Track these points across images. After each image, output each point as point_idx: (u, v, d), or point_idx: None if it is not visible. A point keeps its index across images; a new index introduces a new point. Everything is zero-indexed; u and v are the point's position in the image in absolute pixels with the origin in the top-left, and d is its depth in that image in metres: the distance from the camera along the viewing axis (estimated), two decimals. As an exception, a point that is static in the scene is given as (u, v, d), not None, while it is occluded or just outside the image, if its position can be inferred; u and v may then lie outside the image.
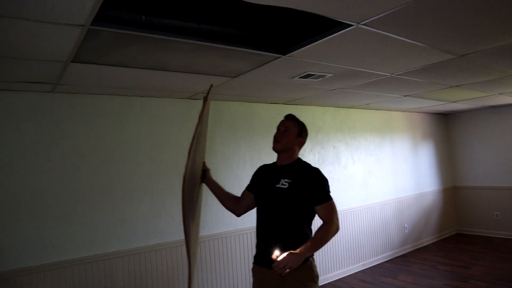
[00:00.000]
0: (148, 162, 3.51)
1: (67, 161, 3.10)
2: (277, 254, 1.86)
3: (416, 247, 6.31)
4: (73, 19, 1.66)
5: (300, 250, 1.89)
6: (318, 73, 3.06)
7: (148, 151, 3.52)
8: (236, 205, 2.41)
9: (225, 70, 2.76)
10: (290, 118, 2.30)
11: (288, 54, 2.48)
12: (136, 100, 3.49)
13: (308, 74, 3.05)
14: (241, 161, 4.15)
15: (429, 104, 5.64)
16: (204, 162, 2.49)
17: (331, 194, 2.14)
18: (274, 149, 2.22)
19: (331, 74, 3.14)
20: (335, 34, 2.13)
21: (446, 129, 7.37)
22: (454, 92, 4.56)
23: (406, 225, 6.18)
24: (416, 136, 6.64)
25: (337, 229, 2.07)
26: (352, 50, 2.47)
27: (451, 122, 7.36)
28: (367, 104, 5.15)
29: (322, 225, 2.06)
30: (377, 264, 5.53)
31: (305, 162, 2.25)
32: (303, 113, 4.84)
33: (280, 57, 2.51)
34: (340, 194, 5.17)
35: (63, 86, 2.93)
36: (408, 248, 6.16)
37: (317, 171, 2.15)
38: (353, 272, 5.20)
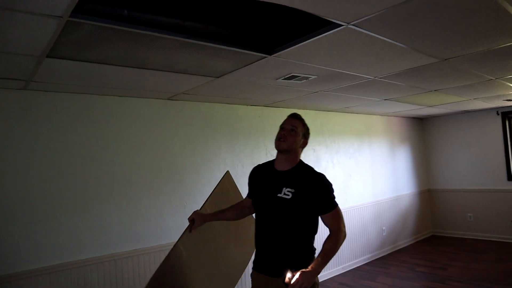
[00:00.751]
0: (125, 165, 3.37)
1: (39, 163, 2.93)
2: (289, 277, 1.74)
3: (394, 249, 6.38)
4: (50, 9, 1.55)
5: (312, 267, 1.80)
6: (303, 75, 3.02)
7: (125, 153, 3.38)
8: (240, 215, 2.38)
9: (209, 70, 2.68)
10: (297, 117, 2.18)
11: (275, 54, 2.43)
12: (115, 100, 3.35)
13: (293, 75, 3.00)
14: (222, 164, 4.07)
15: (407, 108, 5.72)
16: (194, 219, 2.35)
17: (336, 199, 2.07)
18: (280, 148, 2.06)
19: (315, 76, 3.11)
20: (324, 34, 2.09)
21: (422, 133, 7.52)
22: (432, 97, 4.64)
23: (384, 228, 6.23)
24: (394, 140, 6.73)
25: (344, 237, 2.01)
26: (339, 52, 2.44)
27: (426, 126, 7.51)
28: (347, 107, 5.17)
29: (330, 235, 1.99)
30: (356, 267, 5.55)
31: (307, 166, 2.13)
32: (283, 116, 4.76)
33: (266, 57, 2.46)
34: (321, 197, 5.14)
35: (37, 84, 2.77)
36: (386, 251, 6.22)
37: (322, 178, 2.03)
38: (333, 276, 5.19)
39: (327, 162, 5.33)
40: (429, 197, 7.44)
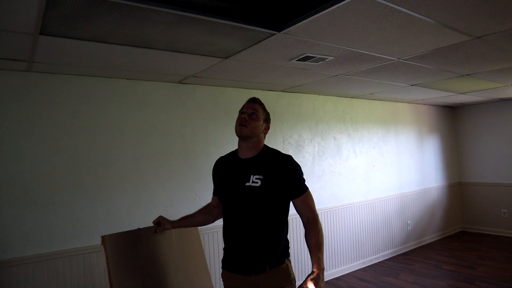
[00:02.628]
0: (132, 150, 3.26)
1: (44, 148, 2.85)
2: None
3: (419, 245, 6.07)
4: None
5: (316, 269, 1.69)
6: (318, 55, 2.79)
7: (133, 138, 3.27)
8: (209, 217, 2.21)
9: (214, 49, 2.50)
10: (256, 101, 2.02)
11: (284, 31, 2.21)
12: (122, 82, 3.24)
13: (307, 56, 2.78)
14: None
15: (436, 96, 5.35)
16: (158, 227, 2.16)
17: (306, 183, 1.97)
18: (241, 133, 1.90)
19: (332, 57, 2.87)
20: (336, 6, 1.86)
21: (453, 123, 7.08)
22: (465, 82, 4.28)
23: (409, 222, 5.93)
24: (422, 129, 6.36)
25: (319, 221, 1.90)
26: (355, 27, 2.19)
27: (458, 115, 7.06)
28: (371, 94, 4.88)
29: (310, 227, 1.87)
30: (378, 262, 5.30)
31: (273, 150, 2.00)
32: (303, 102, 4.58)
33: (274, 33, 2.25)
34: (341, 188, 4.91)
35: (39, 65, 2.68)
36: (410, 246, 5.92)
37: (290, 160, 1.91)
38: (352, 270, 4.97)
39: (348, 152, 5.07)
40: (459, 191, 7.03)
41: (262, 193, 1.83)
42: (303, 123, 4.56)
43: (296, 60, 2.88)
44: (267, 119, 2.03)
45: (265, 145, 2.02)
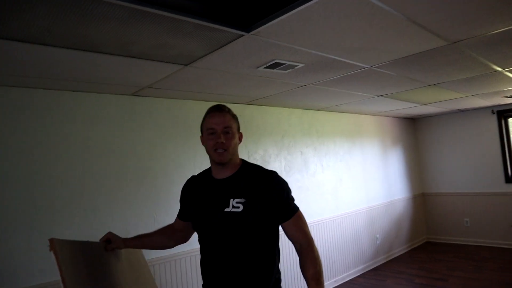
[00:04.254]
0: (79, 171, 2.84)
1: (-33, 172, 2.38)
2: None
3: (388, 259, 5.95)
4: None
5: None
6: (288, 62, 2.56)
7: (80, 157, 2.85)
8: (169, 241, 1.89)
9: (173, 53, 2.19)
10: (225, 110, 1.68)
11: (253, 32, 1.95)
12: (67, 95, 2.82)
13: (276, 62, 2.54)
14: (197, 169, 3.54)
15: (400, 107, 5.33)
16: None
17: (296, 201, 1.69)
18: (222, 161, 1.60)
19: (302, 65, 2.66)
20: (315, 1, 1.64)
21: (414, 134, 7.15)
22: (430, 92, 4.24)
23: (377, 236, 5.80)
24: (386, 141, 6.33)
25: (315, 246, 1.60)
26: (332, 28, 1.98)
27: (419, 127, 7.15)
28: (337, 105, 4.74)
29: (304, 255, 1.56)
30: (349, 280, 5.09)
31: (254, 166, 1.70)
32: (268, 115, 4.34)
33: (242, 35, 1.98)
34: (309, 205, 4.69)
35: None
36: (380, 260, 5.78)
37: (275, 177, 1.62)
38: (324, 291, 4.71)
39: (315, 166, 4.87)
40: (423, 202, 7.06)
41: (245, 219, 1.53)
42: (268, 137, 4.32)
43: (264, 68, 2.63)
44: (239, 127, 1.73)
45: (242, 160, 1.72)
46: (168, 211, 3.23)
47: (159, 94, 3.21)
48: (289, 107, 4.55)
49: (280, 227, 1.64)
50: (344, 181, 5.29)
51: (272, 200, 1.56)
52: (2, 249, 2.46)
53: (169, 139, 3.40)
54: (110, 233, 1.79)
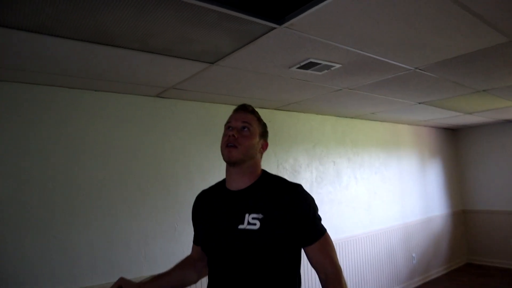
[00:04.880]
0: (99, 176, 2.69)
1: (-18, 173, 2.28)
2: None
3: (425, 280, 5.50)
4: None
5: None
6: (323, 62, 2.32)
7: (100, 161, 2.71)
8: (192, 274, 1.59)
9: (198, 49, 2.00)
10: (248, 109, 1.48)
11: (286, 24, 1.74)
12: (87, 94, 2.70)
13: (311, 62, 2.30)
14: (223, 176, 3.35)
15: (441, 116, 4.94)
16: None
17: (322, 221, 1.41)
18: (230, 158, 1.36)
19: (339, 65, 2.41)
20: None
21: (454, 146, 6.68)
22: (477, 100, 3.87)
23: (414, 255, 5.39)
24: (424, 153, 5.93)
25: (343, 277, 1.31)
26: (375, 19, 1.73)
27: (459, 138, 6.67)
28: (373, 113, 4.44)
29: (328, 285, 1.29)
30: (383, 302, 4.71)
31: (276, 177, 1.45)
32: (300, 122, 4.10)
33: (274, 28, 1.77)
34: (342, 219, 4.38)
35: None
36: (416, 282, 5.35)
37: (300, 191, 1.36)
38: (356, 313, 4.37)
39: (349, 178, 4.56)
40: (463, 219, 6.55)
41: (262, 239, 1.28)
42: (299, 146, 4.07)
43: (297, 68, 2.40)
44: (264, 133, 1.51)
45: (263, 171, 1.48)
46: (189, 222, 2.98)
47: (184, 96, 3.04)
48: (322, 114, 4.29)
49: (302, 251, 1.39)
50: (378, 195, 4.94)
51: (295, 218, 1.31)
52: (17, 252, 2.33)
53: (193, 144, 3.22)
54: (122, 279, 1.51)
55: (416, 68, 2.58)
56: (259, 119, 1.49)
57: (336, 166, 4.42)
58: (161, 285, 1.54)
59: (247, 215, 1.32)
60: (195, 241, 1.60)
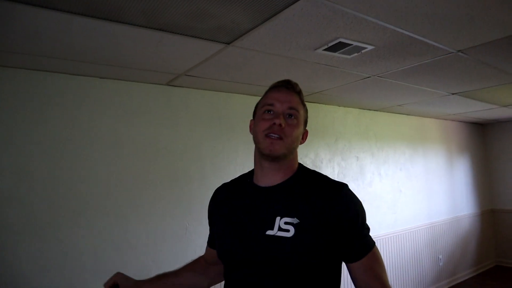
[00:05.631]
0: (104, 170, 2.47)
1: (-24, 166, 2.07)
2: None
3: (453, 283, 5.17)
4: None
5: None
6: (355, 43, 2.03)
7: (105, 154, 2.48)
8: (201, 279, 1.36)
9: (212, 25, 1.73)
10: (295, 89, 1.20)
11: (317, -8, 1.46)
12: (92, 82, 2.47)
13: (341, 42, 2.02)
14: (239, 172, 3.08)
15: (472, 109, 4.58)
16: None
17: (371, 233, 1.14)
18: (274, 152, 1.09)
19: (372, 47, 2.12)
20: None
21: (483, 142, 6.29)
22: (518, 90, 3.52)
23: (440, 257, 5.06)
24: (452, 149, 5.57)
25: None
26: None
27: (488, 134, 6.28)
28: (400, 105, 4.11)
29: None
30: (408, 307, 4.41)
31: (316, 174, 1.18)
32: (321, 114, 3.81)
33: (302, -3, 1.49)
34: (365, 218, 4.08)
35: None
36: (443, 285, 5.02)
37: (346, 192, 1.09)
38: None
39: (373, 174, 4.26)
40: (492, 219, 6.17)
41: (296, 249, 1.01)
42: (321, 140, 3.78)
43: (324, 50, 2.12)
44: (307, 120, 1.24)
45: (300, 165, 1.22)
46: (202, 221, 2.79)
47: (197, 84, 2.79)
48: (345, 106, 3.99)
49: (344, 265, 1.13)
50: (404, 193, 4.63)
51: (339, 227, 1.04)
52: (17, 252, 2.12)
53: (206, 138, 2.97)
54: (118, 274, 1.28)
55: (458, 50, 2.27)
56: (303, 102, 1.22)
57: (359, 161, 4.13)
58: (164, 285, 1.31)
59: (278, 219, 1.05)
60: (210, 243, 1.36)
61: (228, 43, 1.97)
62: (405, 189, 4.66)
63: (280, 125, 1.10)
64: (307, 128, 1.24)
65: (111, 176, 2.49)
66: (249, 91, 3.06)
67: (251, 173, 1.25)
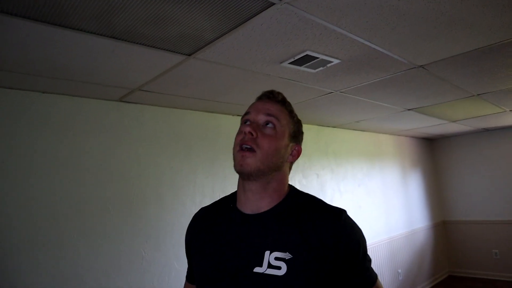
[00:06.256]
0: (47, 195, 2.18)
1: None
2: None
3: (412, 297, 5.23)
4: None
5: None
6: (322, 56, 1.96)
7: (49, 177, 2.20)
8: None
9: (172, 33, 1.57)
10: (277, 99, 1.07)
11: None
12: (33, 97, 2.20)
13: (307, 56, 1.94)
14: (198, 194, 2.91)
15: (424, 125, 4.74)
16: None
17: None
18: (244, 168, 0.96)
19: (338, 61, 2.07)
20: None
21: (432, 156, 6.55)
22: (468, 106, 3.66)
23: (399, 271, 5.10)
24: (405, 164, 5.72)
25: None
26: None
27: (437, 148, 6.55)
28: (357, 122, 4.15)
29: None
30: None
31: (310, 197, 1.05)
32: (281, 131, 3.72)
33: (273, 3, 1.39)
34: (327, 236, 4.01)
35: None
36: (403, 300, 5.06)
37: (345, 221, 0.96)
38: None
39: (333, 191, 4.23)
40: (444, 230, 6.38)
41: None
42: (281, 157, 3.68)
43: (290, 63, 2.03)
44: (297, 134, 1.09)
45: (291, 187, 1.08)
46: (160, 247, 2.55)
47: (153, 100, 2.59)
48: (305, 123, 3.93)
49: None
50: (363, 208, 4.63)
51: (338, 261, 0.91)
52: None
53: (163, 157, 2.76)
54: None
55: (421, 66, 2.28)
56: (291, 113, 1.08)
57: (319, 178, 4.08)
58: None
59: (267, 254, 0.91)
60: (189, 278, 1.18)
61: (189, 55, 1.82)
62: (365, 204, 4.68)
63: (250, 133, 0.96)
64: (300, 145, 1.11)
65: (54, 203, 2.20)
66: (207, 107, 2.90)
67: (233, 196, 1.09)
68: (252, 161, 0.95)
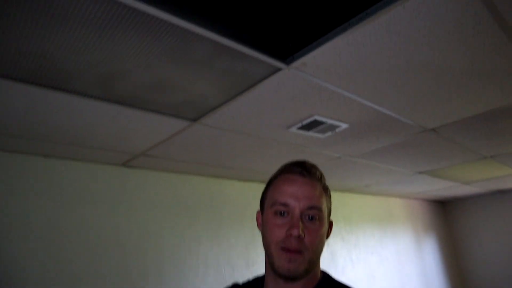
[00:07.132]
0: (42, 262, 2.02)
1: None
2: None
3: None
4: None
5: None
6: (330, 121, 1.92)
7: (40, 247, 2.06)
8: None
9: (177, 99, 1.54)
10: (315, 175, 0.94)
11: (295, 64, 1.34)
12: (32, 161, 2.14)
13: (315, 121, 1.89)
14: (201, 266, 2.72)
15: (435, 187, 4.59)
16: None
17: None
18: (292, 273, 0.85)
19: (346, 125, 2.01)
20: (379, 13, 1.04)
21: (446, 220, 6.29)
22: (481, 167, 3.56)
23: None
24: (418, 229, 5.47)
25: None
26: (406, 62, 1.36)
27: (450, 212, 6.31)
28: (367, 186, 4.03)
29: None
30: None
31: (343, 287, 0.95)
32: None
33: (279, 69, 1.36)
34: (341, 311, 3.70)
35: None
36: None
37: None
38: None
39: (344, 260, 3.98)
40: (465, 302, 5.94)
41: None
42: (289, 224, 3.52)
43: (298, 128, 1.98)
44: (330, 209, 0.98)
45: (323, 274, 0.97)
46: None
47: (157, 165, 2.52)
48: (311, 187, 3.83)
49: None
50: (377, 279, 4.34)
51: None
52: None
53: (165, 225, 2.62)
54: None
55: (431, 129, 2.22)
56: (325, 188, 0.96)
57: (330, 247, 3.86)
58: None
59: None
60: None
61: (194, 120, 1.78)
62: (378, 274, 4.38)
63: (299, 236, 0.85)
64: (331, 218, 1.00)
65: (48, 273, 2.04)
66: (213, 173, 2.82)
67: (262, 281, 0.97)
68: (300, 264, 0.85)
